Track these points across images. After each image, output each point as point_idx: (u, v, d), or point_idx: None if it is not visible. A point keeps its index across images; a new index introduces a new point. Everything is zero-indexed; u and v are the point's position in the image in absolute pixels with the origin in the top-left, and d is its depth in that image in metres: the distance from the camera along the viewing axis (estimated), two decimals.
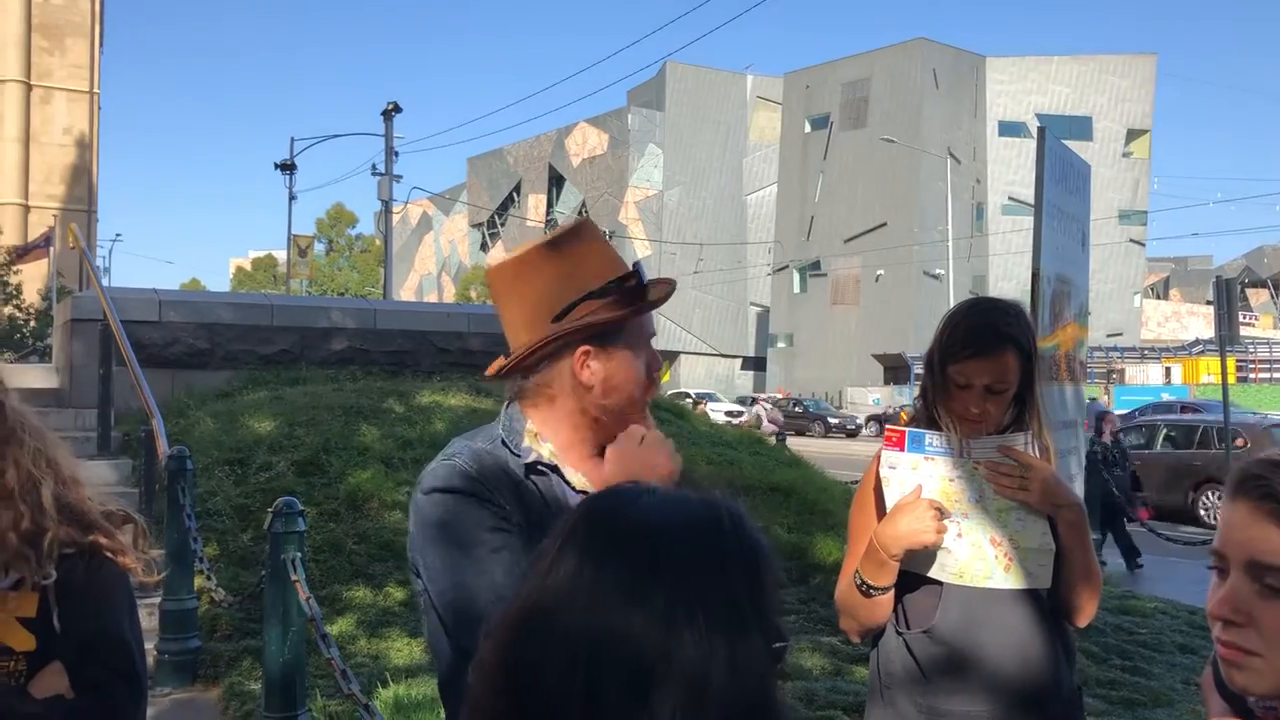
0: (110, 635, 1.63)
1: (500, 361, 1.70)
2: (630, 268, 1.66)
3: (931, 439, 2.20)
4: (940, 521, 2.08)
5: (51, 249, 21.24)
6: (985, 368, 2.13)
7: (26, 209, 37.13)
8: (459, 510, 1.57)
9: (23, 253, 23.63)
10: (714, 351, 61.63)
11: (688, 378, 57.20)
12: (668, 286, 1.69)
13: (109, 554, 1.64)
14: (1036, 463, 2.16)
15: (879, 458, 2.24)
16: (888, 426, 2.30)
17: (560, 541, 0.91)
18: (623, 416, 1.65)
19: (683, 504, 0.93)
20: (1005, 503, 2.16)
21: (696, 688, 0.83)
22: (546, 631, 0.86)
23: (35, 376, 10.50)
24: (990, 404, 2.16)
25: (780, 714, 0.89)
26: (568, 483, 1.64)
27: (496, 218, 70.24)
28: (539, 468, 1.63)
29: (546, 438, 1.66)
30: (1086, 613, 2.19)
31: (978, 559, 2.14)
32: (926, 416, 2.25)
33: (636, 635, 0.83)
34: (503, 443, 1.64)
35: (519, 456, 1.62)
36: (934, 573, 2.14)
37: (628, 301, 1.63)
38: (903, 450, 2.21)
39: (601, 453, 1.68)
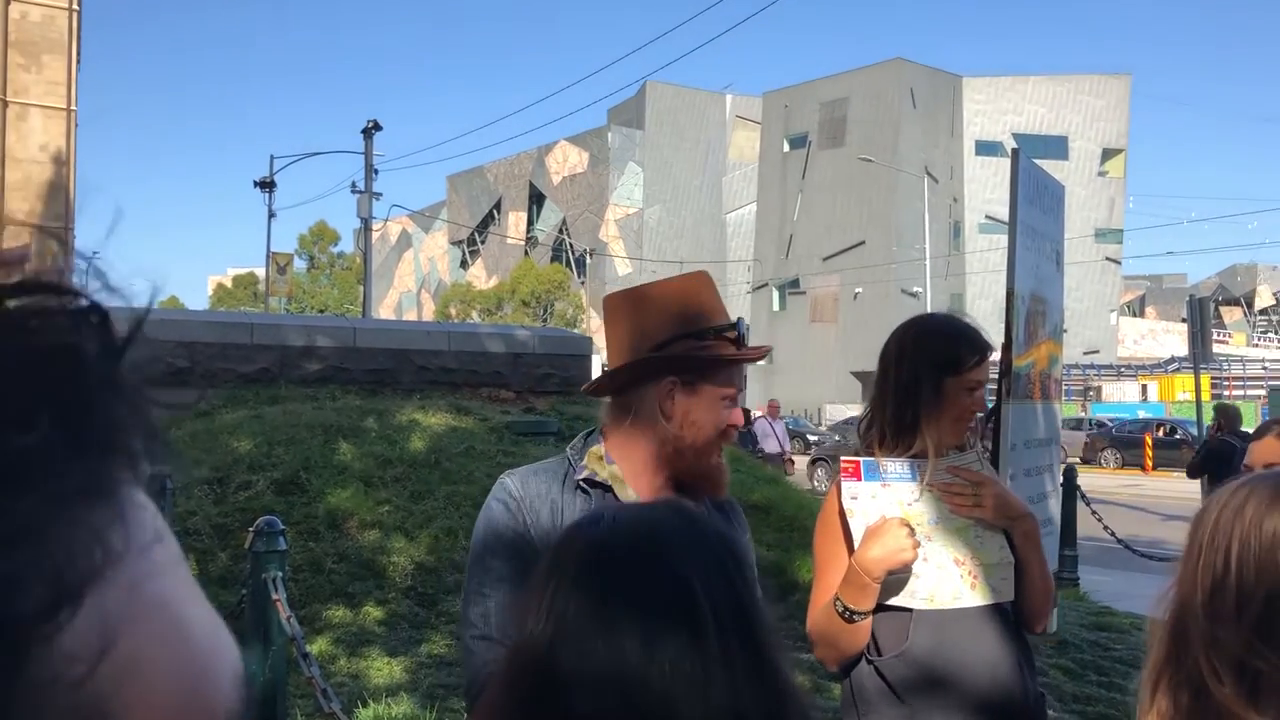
0: None
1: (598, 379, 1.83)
2: (733, 322, 1.76)
3: (887, 466, 2.22)
4: (914, 538, 2.12)
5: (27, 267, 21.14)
6: (986, 367, 2.26)
7: (2, 227, 36.93)
8: (487, 526, 1.71)
9: None
10: None
11: None
12: (762, 350, 1.84)
13: None
14: (985, 479, 2.22)
15: (838, 488, 2.24)
16: (843, 458, 2.27)
17: (542, 573, 0.92)
18: (698, 456, 1.72)
19: (632, 530, 0.92)
20: (963, 521, 2.21)
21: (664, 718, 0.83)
22: (533, 669, 0.86)
23: None
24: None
25: None
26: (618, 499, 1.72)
27: (476, 235, 70.23)
28: (591, 484, 1.72)
29: (617, 460, 1.74)
30: (1042, 619, 2.27)
31: (945, 580, 2.17)
32: (907, 438, 2.23)
33: (603, 668, 0.83)
34: (567, 459, 1.77)
35: (576, 473, 1.74)
36: (905, 601, 2.15)
37: (722, 350, 1.73)
38: (860, 480, 2.22)
39: (678, 486, 1.75)
